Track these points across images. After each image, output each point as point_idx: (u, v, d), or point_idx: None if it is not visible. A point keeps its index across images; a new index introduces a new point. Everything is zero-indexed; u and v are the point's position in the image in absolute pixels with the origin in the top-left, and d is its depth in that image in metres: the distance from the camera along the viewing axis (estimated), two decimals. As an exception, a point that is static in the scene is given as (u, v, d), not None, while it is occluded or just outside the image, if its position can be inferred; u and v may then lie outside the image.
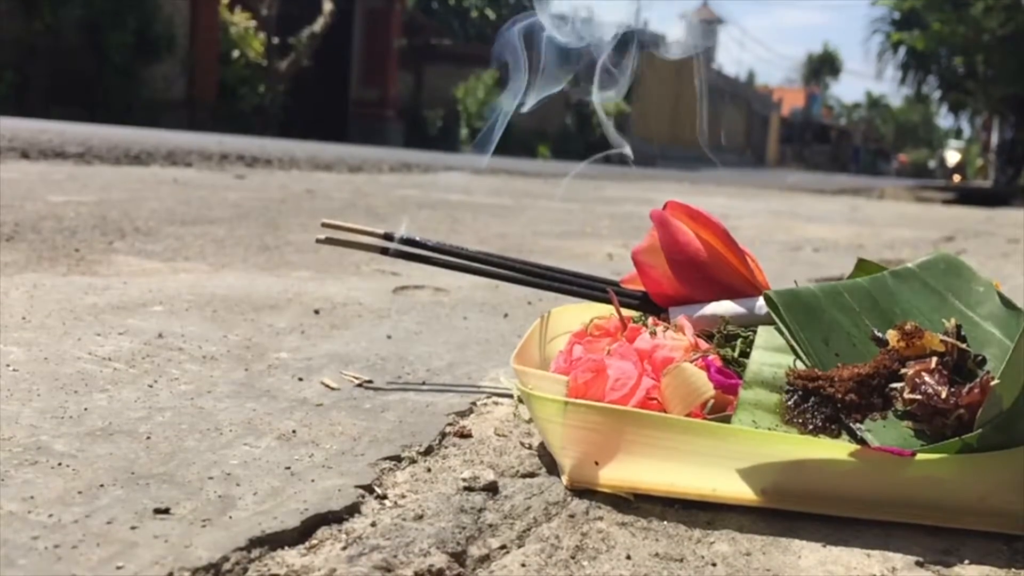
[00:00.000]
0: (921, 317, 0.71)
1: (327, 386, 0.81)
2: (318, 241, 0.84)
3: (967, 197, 8.64)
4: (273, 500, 0.55)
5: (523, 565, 0.50)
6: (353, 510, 0.55)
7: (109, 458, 0.60)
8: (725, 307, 0.77)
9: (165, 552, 0.47)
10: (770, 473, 0.57)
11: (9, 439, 0.61)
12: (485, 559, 0.51)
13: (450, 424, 0.72)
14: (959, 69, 13.54)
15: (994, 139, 18.35)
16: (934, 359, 0.62)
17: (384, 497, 0.57)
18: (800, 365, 0.65)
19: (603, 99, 0.76)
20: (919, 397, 0.60)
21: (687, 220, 0.79)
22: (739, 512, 0.58)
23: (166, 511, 0.52)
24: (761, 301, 0.74)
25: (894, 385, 0.62)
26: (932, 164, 38.38)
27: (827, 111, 37.30)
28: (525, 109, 0.77)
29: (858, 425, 0.61)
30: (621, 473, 0.59)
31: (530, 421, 0.73)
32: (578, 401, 0.60)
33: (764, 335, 0.68)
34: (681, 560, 0.52)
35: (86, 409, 0.69)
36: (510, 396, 0.81)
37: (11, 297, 1.08)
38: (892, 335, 0.65)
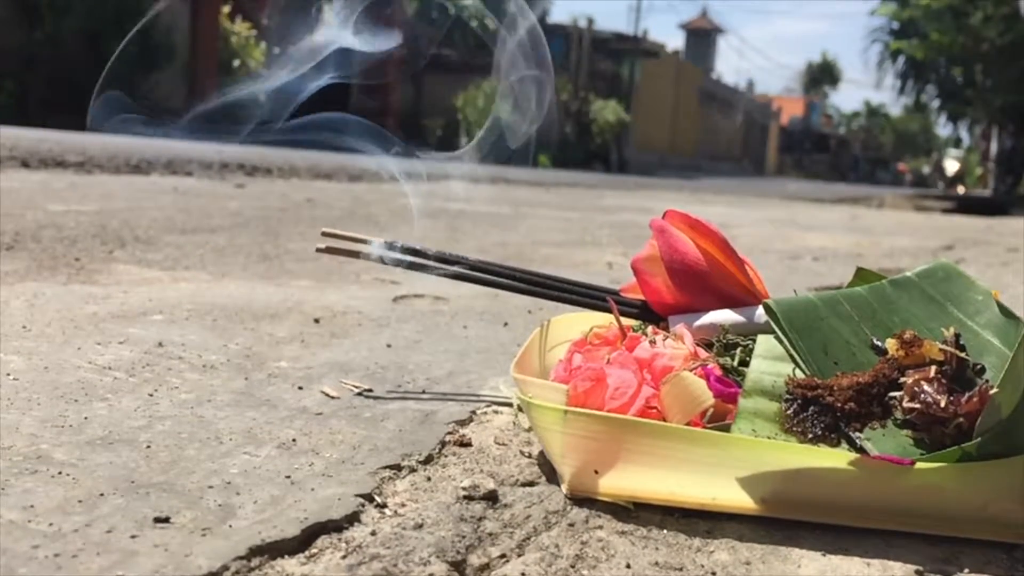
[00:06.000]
0: (920, 326, 0.71)
1: (327, 395, 0.81)
2: (318, 250, 0.84)
3: (966, 206, 8.66)
4: (273, 509, 0.55)
5: (523, 574, 0.50)
6: (353, 519, 0.55)
7: (109, 467, 0.60)
8: (724, 316, 0.77)
9: (165, 561, 0.47)
10: (770, 482, 0.57)
11: (9, 448, 0.61)
12: (485, 568, 0.51)
13: (450, 433, 0.72)
14: (958, 79, 13.58)
15: (993, 148, 18.37)
16: (933, 368, 0.63)
17: (384, 506, 0.57)
18: (799, 374, 0.65)
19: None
20: (918, 406, 0.60)
21: (686, 229, 0.80)
22: (739, 521, 0.58)
23: (166, 520, 0.52)
24: (760, 310, 0.74)
25: (893, 394, 0.62)
26: (926, 170, 38.14)
27: (826, 120, 37.35)
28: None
29: (857, 434, 0.61)
30: (621, 482, 0.59)
31: (530, 430, 0.73)
32: (578, 410, 0.60)
33: (763, 344, 0.68)
34: (681, 569, 0.52)
35: (86, 418, 0.69)
36: (510, 405, 0.81)
37: (11, 306, 1.08)
38: (891, 344, 0.65)
